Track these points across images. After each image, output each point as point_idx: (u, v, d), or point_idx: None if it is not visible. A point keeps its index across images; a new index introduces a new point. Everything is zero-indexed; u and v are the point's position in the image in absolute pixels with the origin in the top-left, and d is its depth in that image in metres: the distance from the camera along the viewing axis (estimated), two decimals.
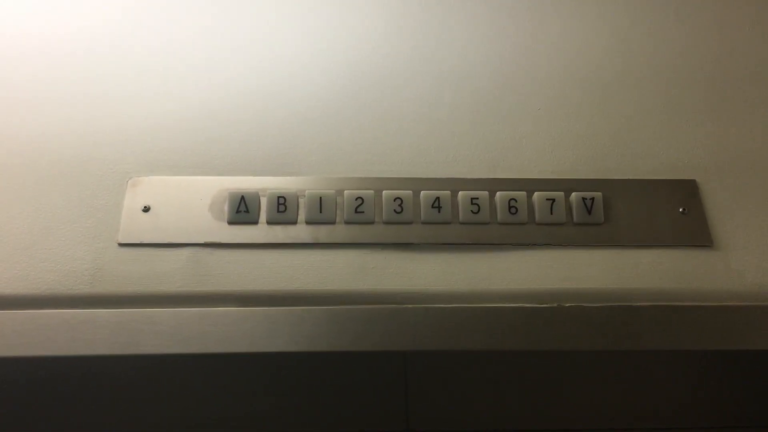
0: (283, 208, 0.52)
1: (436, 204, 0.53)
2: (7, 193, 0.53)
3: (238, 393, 0.55)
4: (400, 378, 0.54)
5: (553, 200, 0.53)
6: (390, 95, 0.59)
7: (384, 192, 0.53)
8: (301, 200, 0.53)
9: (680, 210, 0.54)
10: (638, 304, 0.50)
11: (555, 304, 0.50)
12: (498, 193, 0.53)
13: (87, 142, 0.55)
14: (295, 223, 0.52)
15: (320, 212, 0.52)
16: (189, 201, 0.53)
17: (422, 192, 0.53)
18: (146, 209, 0.53)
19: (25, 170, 0.54)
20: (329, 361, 0.52)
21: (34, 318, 0.49)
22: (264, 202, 0.53)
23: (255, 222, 0.52)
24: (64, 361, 0.48)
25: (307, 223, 0.52)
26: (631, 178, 0.55)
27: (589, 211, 0.53)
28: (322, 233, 0.52)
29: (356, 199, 0.53)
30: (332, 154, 0.56)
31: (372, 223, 0.53)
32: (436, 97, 0.59)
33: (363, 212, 0.52)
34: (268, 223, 0.52)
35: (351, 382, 0.55)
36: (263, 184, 0.54)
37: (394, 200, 0.53)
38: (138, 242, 0.51)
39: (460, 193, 0.53)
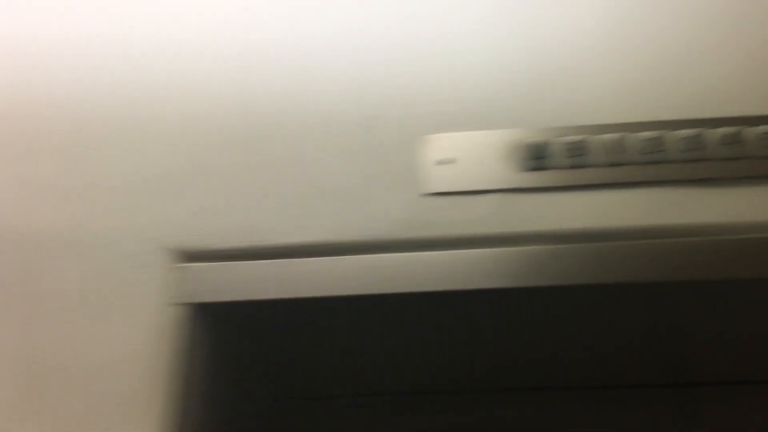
0: (578, 152, 0.55)
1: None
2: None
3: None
4: None
5: None
6: None
7: (674, 133, 0.55)
8: (592, 146, 0.56)
9: None
10: None
11: None
12: None
13: (372, 100, 0.61)
14: (587, 166, 0.55)
15: (615, 154, 0.55)
16: (485, 153, 0.57)
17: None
18: (444, 162, 0.57)
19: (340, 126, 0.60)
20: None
21: (359, 262, 0.55)
22: (557, 149, 0.56)
23: (551, 168, 0.55)
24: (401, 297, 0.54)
25: (600, 166, 0.55)
26: None
27: None
28: (618, 174, 0.55)
29: (649, 140, 0.55)
30: (600, 100, 0.59)
31: (663, 162, 0.55)
32: None
33: (656, 152, 0.55)
34: (564, 167, 0.55)
35: None
36: (553, 134, 0.57)
37: (684, 139, 0.55)
38: (443, 191, 0.56)
39: None
